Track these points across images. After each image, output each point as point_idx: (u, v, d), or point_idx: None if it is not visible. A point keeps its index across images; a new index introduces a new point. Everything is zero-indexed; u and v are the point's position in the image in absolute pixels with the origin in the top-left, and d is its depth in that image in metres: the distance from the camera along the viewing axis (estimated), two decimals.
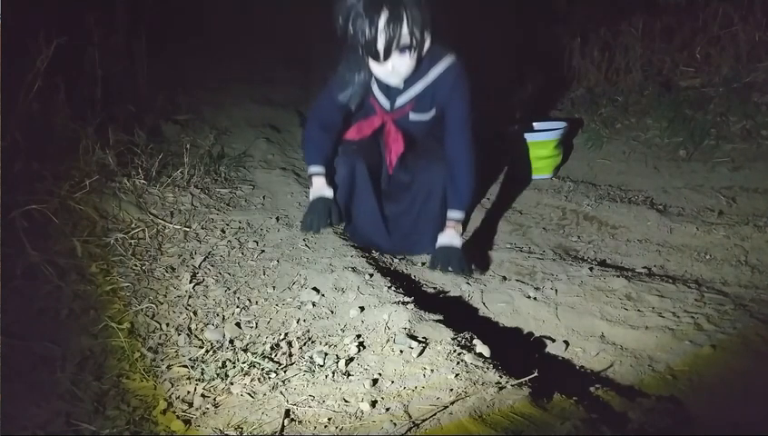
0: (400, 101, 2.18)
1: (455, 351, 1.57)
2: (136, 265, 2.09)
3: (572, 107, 3.58)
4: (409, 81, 2.11)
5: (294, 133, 3.39)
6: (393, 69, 2.02)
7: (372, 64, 2.04)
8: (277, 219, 2.49)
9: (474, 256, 2.24)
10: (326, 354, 1.62)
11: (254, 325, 1.83)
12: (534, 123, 3.04)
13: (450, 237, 2.15)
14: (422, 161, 2.26)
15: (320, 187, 2.21)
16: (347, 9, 1.97)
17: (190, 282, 2.02)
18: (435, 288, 2.11)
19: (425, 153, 2.27)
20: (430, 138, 2.27)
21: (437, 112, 2.19)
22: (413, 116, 2.21)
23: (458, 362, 1.52)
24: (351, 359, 1.60)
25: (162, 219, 2.38)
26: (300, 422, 1.40)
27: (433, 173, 2.24)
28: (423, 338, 1.64)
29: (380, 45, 1.96)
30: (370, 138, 2.27)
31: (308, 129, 2.28)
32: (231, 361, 1.64)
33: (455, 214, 2.19)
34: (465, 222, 2.29)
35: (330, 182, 2.22)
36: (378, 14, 1.93)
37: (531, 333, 1.90)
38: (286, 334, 1.76)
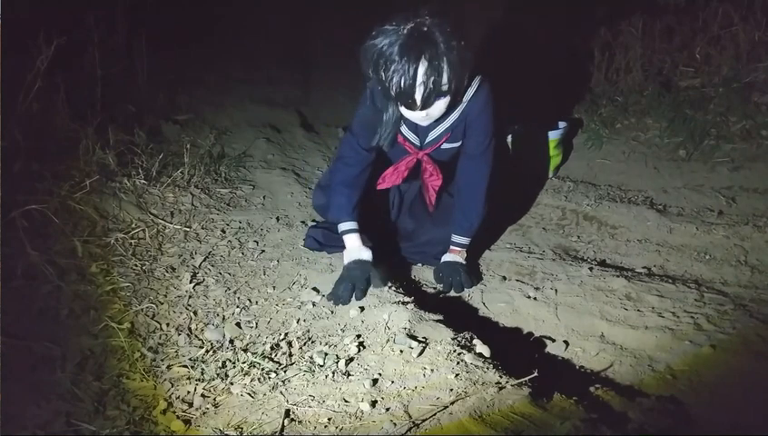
0: (433, 135, 2.02)
1: (455, 351, 1.57)
2: (136, 265, 2.09)
3: (572, 107, 3.58)
4: (441, 115, 1.92)
5: (294, 134, 3.40)
6: (428, 115, 1.85)
7: (404, 109, 1.86)
8: (277, 219, 2.49)
9: (477, 271, 2.20)
10: (326, 354, 1.62)
11: (254, 325, 1.83)
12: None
13: (454, 258, 2.11)
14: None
15: (356, 248, 1.98)
16: (377, 54, 1.76)
17: (190, 282, 2.02)
18: (435, 288, 2.12)
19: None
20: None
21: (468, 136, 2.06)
22: (446, 145, 2.05)
23: (458, 362, 1.52)
24: (351, 359, 1.60)
25: (163, 219, 2.38)
26: (300, 422, 1.40)
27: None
28: (423, 338, 1.64)
29: (418, 97, 1.77)
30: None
31: (333, 183, 2.08)
32: (231, 361, 1.64)
33: (461, 240, 2.11)
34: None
35: (366, 240, 2.02)
36: (415, 64, 1.73)
37: (531, 333, 1.90)
38: (286, 334, 1.76)
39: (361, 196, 2.05)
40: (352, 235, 2.00)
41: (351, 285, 1.88)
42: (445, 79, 1.76)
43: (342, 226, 2.01)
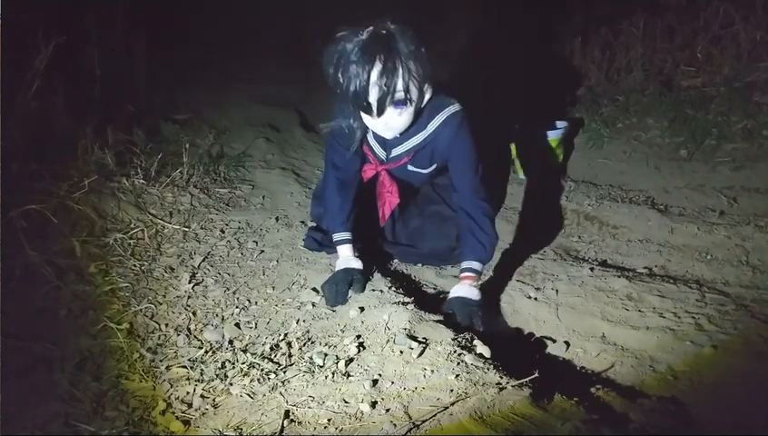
0: (396, 152, 1.98)
1: (455, 351, 1.56)
2: (135, 265, 2.09)
3: (573, 107, 3.58)
4: (407, 132, 1.90)
5: (294, 133, 3.39)
6: (387, 124, 1.82)
7: (364, 116, 1.84)
8: (276, 219, 2.49)
9: (491, 308, 2.00)
10: (326, 355, 1.62)
11: (254, 326, 1.83)
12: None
13: (468, 291, 1.89)
14: (427, 226, 2.18)
15: (347, 259, 1.98)
16: (337, 56, 1.75)
17: (189, 283, 2.02)
18: (435, 288, 2.11)
19: (428, 217, 2.18)
20: (431, 187, 2.17)
21: (438, 165, 2.00)
22: (411, 167, 2.01)
23: (459, 363, 1.51)
24: (351, 359, 1.59)
25: (162, 219, 2.38)
26: (299, 423, 1.40)
27: (436, 242, 2.18)
28: (423, 338, 1.63)
29: (372, 100, 1.75)
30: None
31: (324, 191, 2.07)
32: (230, 361, 1.64)
33: (474, 266, 1.93)
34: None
35: (359, 251, 2.01)
36: (370, 66, 1.71)
37: (532, 334, 1.90)
38: (286, 335, 1.75)
39: (355, 199, 2.02)
40: (344, 246, 1.99)
41: (334, 287, 1.89)
42: (400, 85, 1.73)
43: (335, 236, 2.00)
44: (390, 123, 1.82)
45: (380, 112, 1.77)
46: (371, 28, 1.74)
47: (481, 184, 1.97)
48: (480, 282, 1.96)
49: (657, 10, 3.67)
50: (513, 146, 2.91)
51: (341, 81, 1.75)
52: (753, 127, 2.99)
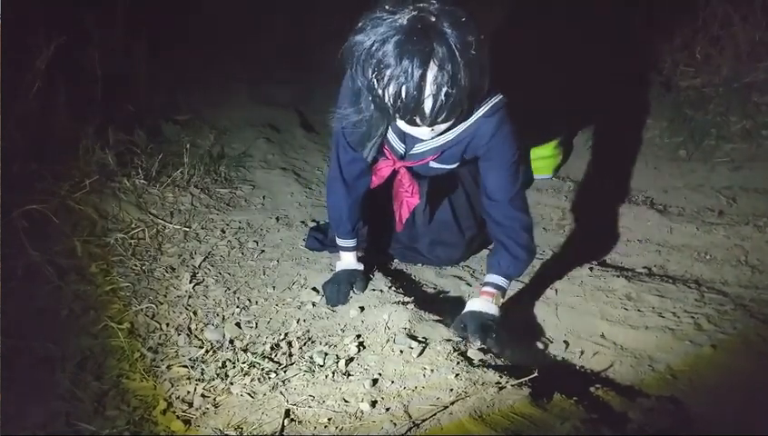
0: (421, 148, 1.67)
1: (455, 351, 1.57)
2: (136, 265, 2.09)
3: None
4: None
5: (294, 134, 3.39)
6: (433, 130, 1.49)
7: (402, 123, 1.48)
8: (277, 219, 2.49)
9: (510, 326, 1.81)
10: (326, 354, 1.62)
11: (254, 325, 1.83)
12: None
13: (483, 305, 1.71)
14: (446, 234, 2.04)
15: (349, 263, 1.92)
16: (365, 55, 1.36)
17: (190, 282, 2.02)
18: (435, 288, 2.11)
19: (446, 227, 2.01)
20: (454, 182, 1.96)
21: (467, 161, 1.73)
22: (434, 164, 1.73)
23: (458, 362, 1.52)
24: (351, 359, 1.60)
25: (162, 219, 2.38)
26: (300, 422, 1.40)
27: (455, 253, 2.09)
28: (423, 338, 1.64)
29: (426, 111, 1.38)
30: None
31: (331, 196, 1.89)
32: (231, 361, 1.64)
33: (499, 281, 1.72)
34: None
35: (362, 256, 1.94)
36: (422, 69, 1.32)
37: (531, 333, 1.90)
38: (286, 334, 1.76)
39: (363, 202, 1.88)
40: (348, 253, 1.94)
41: (336, 287, 1.87)
42: (462, 88, 1.36)
43: (341, 242, 1.93)
44: (437, 128, 1.49)
45: (434, 123, 1.43)
46: (412, 13, 1.34)
47: (520, 191, 1.71)
48: (503, 300, 1.76)
49: (656, 10, 3.68)
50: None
51: (375, 87, 1.38)
52: (752, 127, 2.99)
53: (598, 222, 2.54)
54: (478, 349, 1.63)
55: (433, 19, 1.34)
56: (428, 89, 1.35)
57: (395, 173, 1.76)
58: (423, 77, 1.33)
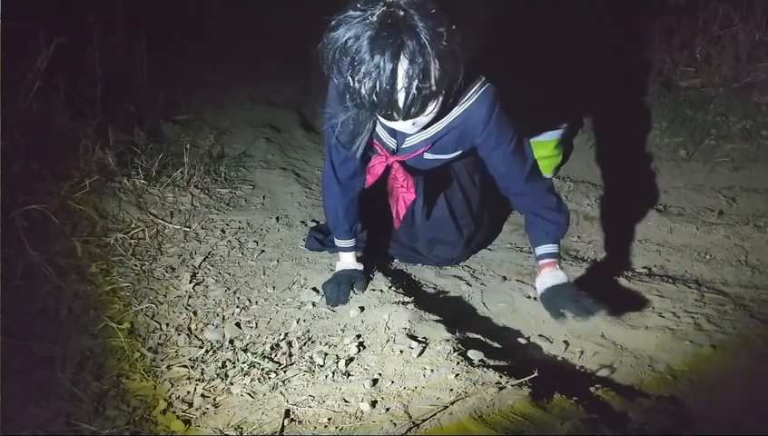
0: (411, 142, 1.68)
1: (455, 351, 1.57)
2: (136, 265, 2.09)
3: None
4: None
5: (294, 134, 3.39)
6: (414, 124, 1.51)
7: (381, 118, 1.51)
8: (277, 219, 2.49)
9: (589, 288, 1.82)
10: (326, 354, 1.62)
11: (254, 325, 1.83)
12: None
13: (554, 276, 1.74)
14: (446, 231, 2.05)
15: (349, 263, 1.94)
16: (339, 53, 1.38)
17: (190, 282, 2.02)
18: (435, 288, 2.11)
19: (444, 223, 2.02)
20: (449, 178, 1.96)
21: (464, 150, 1.73)
22: (429, 156, 1.72)
23: (458, 362, 1.52)
24: (351, 359, 1.60)
25: (162, 219, 2.38)
26: (300, 422, 1.40)
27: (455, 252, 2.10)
28: (423, 338, 1.64)
29: (400, 105, 1.39)
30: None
31: (326, 198, 1.90)
32: (230, 361, 1.64)
33: (550, 249, 1.75)
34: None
35: (361, 257, 1.96)
36: (393, 63, 1.33)
37: (531, 333, 1.90)
38: (286, 334, 1.76)
39: (359, 201, 1.89)
40: (348, 253, 1.95)
41: (336, 286, 1.88)
42: (433, 81, 1.37)
43: (339, 243, 1.95)
44: (418, 121, 1.50)
45: (410, 117, 1.43)
46: (382, 9, 1.36)
47: (533, 166, 1.70)
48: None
49: (656, 10, 3.68)
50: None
51: (353, 84, 1.39)
52: (752, 127, 3.00)
53: (598, 222, 2.54)
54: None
55: (402, 13, 1.35)
56: (400, 82, 1.36)
57: (389, 169, 1.76)
58: (394, 71, 1.35)
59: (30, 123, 2.34)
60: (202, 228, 2.38)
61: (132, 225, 2.29)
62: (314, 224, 2.41)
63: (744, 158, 2.86)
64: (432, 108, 1.47)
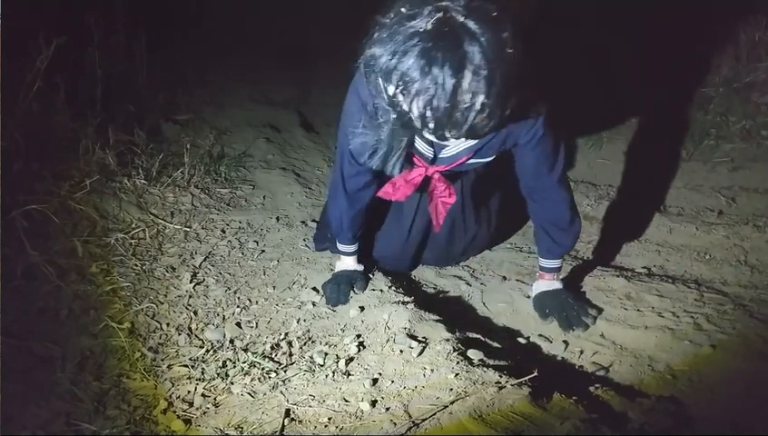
0: (452, 150, 1.56)
1: (455, 350, 1.57)
2: (136, 265, 2.09)
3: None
4: None
5: (294, 133, 3.39)
6: (466, 141, 1.42)
7: (428, 134, 1.33)
8: (277, 219, 2.49)
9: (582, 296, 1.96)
10: (326, 354, 1.63)
11: (254, 325, 1.83)
12: None
13: (549, 285, 1.85)
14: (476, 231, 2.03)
15: (349, 263, 1.94)
16: (385, 70, 1.21)
17: (190, 282, 2.02)
18: (435, 288, 2.11)
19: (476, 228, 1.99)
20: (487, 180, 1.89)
21: (504, 151, 1.63)
22: (471, 161, 1.64)
23: (458, 362, 1.52)
24: (351, 359, 1.60)
25: (163, 219, 2.38)
26: (300, 422, 1.40)
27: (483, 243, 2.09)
28: (423, 338, 1.64)
29: (462, 125, 1.23)
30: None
31: (332, 204, 1.85)
32: (231, 360, 1.64)
33: (552, 264, 1.82)
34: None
35: (361, 259, 1.95)
36: (454, 79, 1.16)
37: (531, 333, 1.90)
38: (286, 334, 1.76)
39: (365, 215, 1.86)
40: (349, 258, 1.95)
41: (336, 286, 1.88)
42: (500, 95, 1.20)
43: (342, 247, 1.94)
44: (471, 140, 1.40)
45: (468, 137, 1.31)
46: (436, 15, 1.17)
47: (563, 169, 1.65)
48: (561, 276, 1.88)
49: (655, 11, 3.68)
50: None
51: (399, 103, 1.22)
52: (752, 127, 3.00)
53: (598, 222, 2.54)
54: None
55: (461, 19, 1.18)
56: (463, 100, 1.19)
57: (428, 179, 1.65)
58: (456, 87, 1.17)
59: (30, 123, 2.34)
60: (203, 228, 2.39)
61: (133, 225, 2.29)
62: (316, 223, 2.40)
63: (744, 158, 2.85)
64: (494, 124, 1.28)
